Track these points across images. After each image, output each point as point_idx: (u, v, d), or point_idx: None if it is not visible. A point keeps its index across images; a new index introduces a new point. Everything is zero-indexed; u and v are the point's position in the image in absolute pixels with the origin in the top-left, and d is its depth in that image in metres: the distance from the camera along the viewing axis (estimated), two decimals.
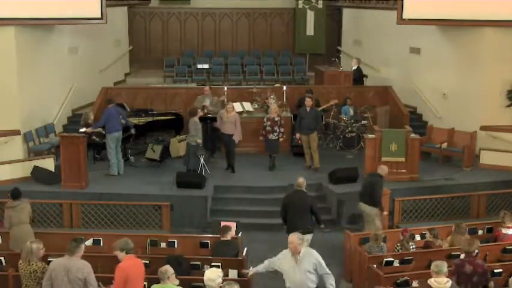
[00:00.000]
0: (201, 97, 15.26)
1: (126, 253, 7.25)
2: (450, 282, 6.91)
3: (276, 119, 13.81)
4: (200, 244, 9.80)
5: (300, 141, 14.12)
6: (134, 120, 14.79)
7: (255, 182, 13.21)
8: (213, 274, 6.76)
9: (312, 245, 11.52)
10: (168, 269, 7.16)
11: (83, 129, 13.23)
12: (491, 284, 7.88)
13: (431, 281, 6.93)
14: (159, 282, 7.15)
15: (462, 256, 8.20)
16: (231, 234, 9.57)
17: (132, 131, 13.99)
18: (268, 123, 13.75)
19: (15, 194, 9.79)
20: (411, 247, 9.62)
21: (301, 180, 10.17)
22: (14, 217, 9.62)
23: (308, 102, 13.97)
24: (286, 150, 14.95)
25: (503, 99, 14.72)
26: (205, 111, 14.56)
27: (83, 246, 7.35)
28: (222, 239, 9.37)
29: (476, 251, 8.09)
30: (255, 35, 21.99)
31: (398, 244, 9.66)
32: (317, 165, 13.83)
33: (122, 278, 7.06)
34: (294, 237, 7.35)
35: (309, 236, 9.76)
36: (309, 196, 10.52)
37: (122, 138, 13.55)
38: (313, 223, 10.06)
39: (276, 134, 13.73)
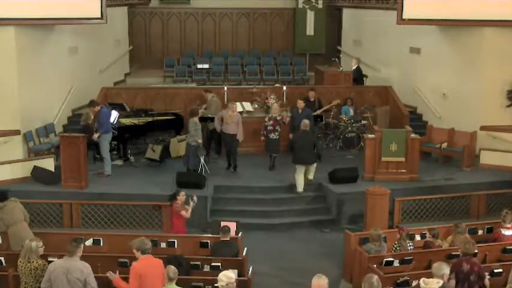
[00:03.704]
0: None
1: (142, 253, 7.23)
2: (441, 283, 6.94)
3: (278, 118, 13.81)
4: (200, 244, 9.79)
5: None
6: (134, 120, 14.81)
7: (255, 182, 13.21)
8: (220, 274, 6.79)
9: (313, 243, 11.58)
10: (175, 270, 7.20)
11: (96, 135, 13.19)
12: (487, 281, 7.89)
13: (421, 281, 7.03)
14: None
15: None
16: (231, 234, 9.58)
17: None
18: (270, 122, 13.76)
19: (1, 197, 9.63)
20: (409, 246, 9.60)
21: (306, 122, 12.86)
22: (6, 218, 9.55)
23: (300, 104, 14.02)
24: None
25: (503, 99, 14.72)
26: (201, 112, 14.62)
27: (82, 246, 7.35)
28: (222, 239, 9.37)
29: (476, 251, 8.12)
30: (255, 35, 22.00)
31: (396, 242, 9.63)
32: None
33: (135, 277, 7.08)
34: (324, 281, 6.49)
35: (313, 166, 12.69)
36: (313, 135, 13.28)
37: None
38: (316, 156, 12.68)
39: (277, 133, 13.74)
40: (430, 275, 7.21)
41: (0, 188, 10.30)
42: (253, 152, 14.87)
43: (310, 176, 12.87)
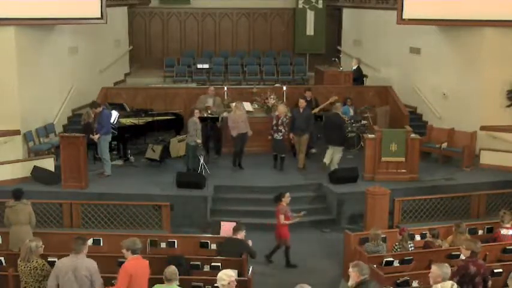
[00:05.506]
0: (203, 97, 15.27)
1: (132, 253, 7.20)
2: (455, 285, 6.89)
3: (284, 119, 13.81)
4: (200, 244, 9.80)
5: (293, 142, 14.17)
6: (134, 120, 14.81)
7: (256, 182, 13.20)
8: (220, 274, 6.76)
9: (313, 243, 11.57)
10: (174, 271, 7.18)
11: (96, 136, 13.17)
12: (490, 282, 7.88)
13: (436, 287, 6.88)
14: (161, 282, 7.11)
15: (462, 256, 8.18)
16: (242, 234, 9.37)
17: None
18: (275, 122, 13.77)
19: (16, 194, 9.76)
20: (409, 246, 9.61)
21: (338, 105, 14.06)
22: (12, 218, 9.61)
23: (301, 103, 14.02)
24: (287, 150, 14.92)
25: (503, 99, 14.73)
26: (209, 111, 14.61)
27: (88, 244, 7.37)
28: (233, 236, 9.28)
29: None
30: (255, 35, 21.99)
31: (397, 244, 9.63)
32: (300, 166, 13.88)
33: (125, 278, 7.05)
34: None
35: (338, 152, 13.48)
36: (341, 118, 13.92)
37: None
38: (341, 140, 13.53)
39: (281, 134, 13.74)
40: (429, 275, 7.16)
41: (15, 187, 10.33)
42: (255, 152, 14.85)
43: (328, 160, 13.46)
